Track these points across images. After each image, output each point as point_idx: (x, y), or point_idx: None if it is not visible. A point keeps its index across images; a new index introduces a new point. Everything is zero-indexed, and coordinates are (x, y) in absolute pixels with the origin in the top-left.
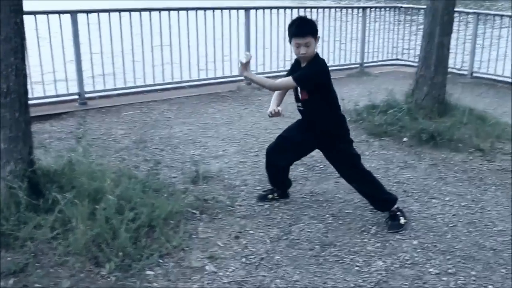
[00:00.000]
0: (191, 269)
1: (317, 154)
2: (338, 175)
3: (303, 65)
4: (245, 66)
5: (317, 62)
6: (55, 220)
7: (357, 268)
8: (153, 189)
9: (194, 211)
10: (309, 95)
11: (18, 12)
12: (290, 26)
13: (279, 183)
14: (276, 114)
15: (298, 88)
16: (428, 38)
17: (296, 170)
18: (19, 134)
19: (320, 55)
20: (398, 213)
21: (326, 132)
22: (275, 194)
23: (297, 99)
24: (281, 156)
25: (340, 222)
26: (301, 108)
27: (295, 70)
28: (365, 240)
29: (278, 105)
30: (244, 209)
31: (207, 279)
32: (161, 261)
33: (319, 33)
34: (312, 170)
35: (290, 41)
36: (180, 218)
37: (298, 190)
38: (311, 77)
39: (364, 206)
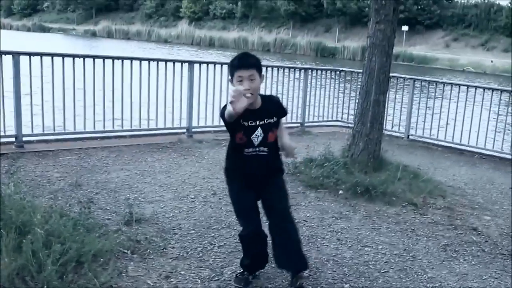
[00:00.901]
0: None
1: None
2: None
3: (252, 106)
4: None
5: (272, 96)
6: None
7: None
8: (85, 228)
9: (125, 251)
10: (276, 133)
11: None
12: (232, 60)
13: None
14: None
15: (268, 131)
16: (365, 95)
17: (231, 216)
18: None
19: None
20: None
21: (280, 166)
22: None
23: (260, 144)
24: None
25: (272, 266)
26: (264, 153)
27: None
28: None
29: None
30: (176, 251)
31: None
32: None
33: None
34: None
35: (231, 79)
36: (110, 256)
37: (232, 235)
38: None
39: None
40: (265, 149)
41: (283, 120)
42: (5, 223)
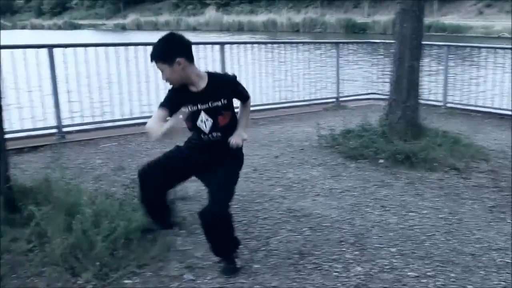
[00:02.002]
0: (169, 278)
1: (294, 175)
2: (316, 193)
3: (194, 88)
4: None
5: (224, 76)
6: (31, 233)
7: (336, 273)
8: (130, 207)
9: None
10: (230, 116)
11: None
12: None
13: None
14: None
15: (216, 115)
16: (399, 62)
17: (274, 190)
18: None
19: (296, 89)
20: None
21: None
22: None
23: (212, 129)
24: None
25: (318, 234)
26: (218, 138)
27: (177, 97)
28: (343, 249)
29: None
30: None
31: (185, 286)
32: (138, 270)
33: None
34: (290, 190)
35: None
36: (158, 233)
37: (276, 207)
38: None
39: (342, 219)
40: (219, 134)
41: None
42: (54, 205)
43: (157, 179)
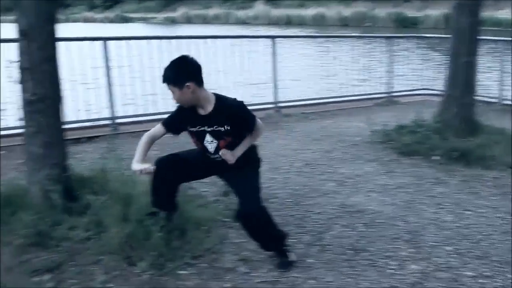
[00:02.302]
0: (223, 270)
1: (346, 171)
2: (369, 189)
3: (202, 111)
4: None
5: (233, 102)
6: (89, 221)
7: (391, 271)
8: (185, 199)
9: (225, 219)
10: (230, 141)
11: (52, 21)
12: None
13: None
14: (148, 173)
15: (219, 138)
16: (455, 57)
17: (327, 185)
18: (54, 140)
19: (345, 83)
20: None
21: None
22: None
23: (216, 151)
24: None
25: (372, 230)
26: (218, 159)
27: (183, 117)
28: (398, 246)
29: (144, 159)
30: (275, 219)
31: (239, 278)
32: (193, 261)
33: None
34: (343, 185)
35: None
36: (212, 224)
37: (329, 202)
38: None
39: (396, 216)
40: (216, 156)
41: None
42: (111, 195)
43: (172, 170)
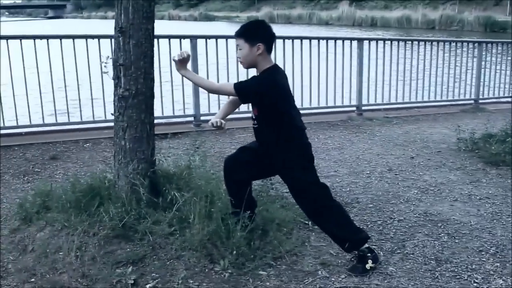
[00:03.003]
0: (303, 273)
1: (430, 178)
2: (454, 198)
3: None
4: (181, 63)
5: (266, 74)
6: (173, 217)
7: (475, 284)
8: (267, 199)
9: (306, 222)
10: (258, 111)
11: (150, 19)
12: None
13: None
14: (218, 127)
15: (253, 105)
16: None
17: (410, 192)
18: (144, 135)
19: (432, 88)
20: (368, 254)
21: (279, 158)
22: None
23: (252, 118)
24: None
25: (456, 241)
26: (255, 126)
27: None
28: (483, 259)
29: (225, 116)
30: (356, 224)
31: (319, 282)
32: (273, 263)
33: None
34: (426, 193)
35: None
36: (293, 226)
37: (412, 210)
38: (252, 89)
39: (481, 228)
40: (255, 122)
41: None
42: (196, 192)
43: (239, 167)
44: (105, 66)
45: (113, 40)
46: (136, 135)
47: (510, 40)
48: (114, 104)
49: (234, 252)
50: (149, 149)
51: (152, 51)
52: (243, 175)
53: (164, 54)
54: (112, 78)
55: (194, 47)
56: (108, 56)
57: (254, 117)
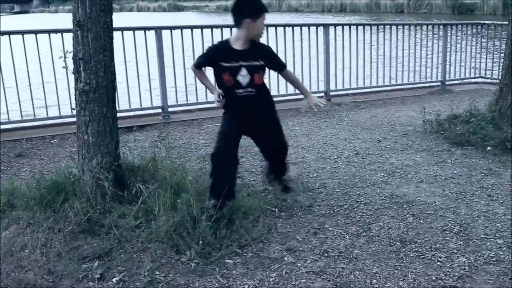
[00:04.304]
0: (269, 259)
1: (396, 161)
2: (419, 179)
3: (243, 45)
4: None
5: (264, 44)
6: (139, 210)
7: (438, 263)
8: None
9: (273, 209)
10: (263, 76)
11: (108, 11)
12: (254, 2)
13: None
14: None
15: (251, 73)
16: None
17: (376, 175)
18: (107, 128)
19: (400, 72)
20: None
21: (270, 104)
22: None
23: (248, 85)
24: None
25: (421, 222)
26: (252, 93)
27: (225, 53)
28: (447, 238)
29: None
30: (323, 209)
31: (285, 268)
32: (240, 251)
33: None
34: (392, 175)
35: (254, 19)
36: (259, 214)
37: (378, 193)
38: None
39: (446, 208)
40: (253, 90)
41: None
42: (161, 183)
43: (229, 159)
44: (64, 61)
45: None
46: (99, 129)
47: (474, 22)
48: (75, 98)
49: (200, 242)
50: (113, 142)
51: (112, 43)
52: (231, 163)
53: (129, 47)
54: (72, 73)
55: (159, 39)
56: (67, 50)
57: (252, 87)
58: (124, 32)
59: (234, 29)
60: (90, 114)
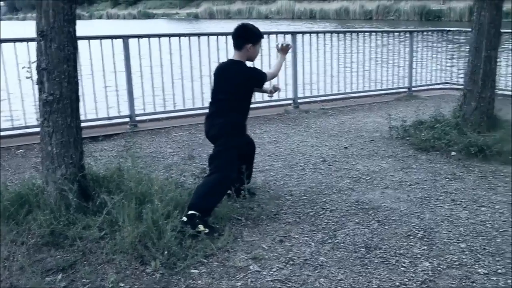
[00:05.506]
0: (235, 268)
1: (363, 167)
2: (385, 185)
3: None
4: (283, 51)
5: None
6: (103, 221)
7: (402, 268)
8: None
9: (239, 217)
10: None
11: (71, 21)
12: (253, 29)
13: None
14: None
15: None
16: (475, 52)
17: (342, 182)
18: (71, 139)
19: (368, 80)
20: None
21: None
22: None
23: None
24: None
25: (386, 227)
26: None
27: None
28: (411, 244)
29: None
30: (289, 216)
31: (250, 277)
32: (205, 260)
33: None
34: (358, 182)
35: (255, 44)
36: (225, 223)
37: (344, 199)
38: None
39: (411, 213)
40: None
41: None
42: (126, 194)
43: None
44: (27, 71)
45: None
46: (63, 140)
47: (440, 29)
48: (39, 109)
49: (166, 252)
50: (77, 153)
51: (76, 53)
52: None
53: (96, 56)
54: (36, 83)
55: (126, 47)
56: (31, 61)
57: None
58: (91, 40)
59: (234, 51)
60: (54, 124)
